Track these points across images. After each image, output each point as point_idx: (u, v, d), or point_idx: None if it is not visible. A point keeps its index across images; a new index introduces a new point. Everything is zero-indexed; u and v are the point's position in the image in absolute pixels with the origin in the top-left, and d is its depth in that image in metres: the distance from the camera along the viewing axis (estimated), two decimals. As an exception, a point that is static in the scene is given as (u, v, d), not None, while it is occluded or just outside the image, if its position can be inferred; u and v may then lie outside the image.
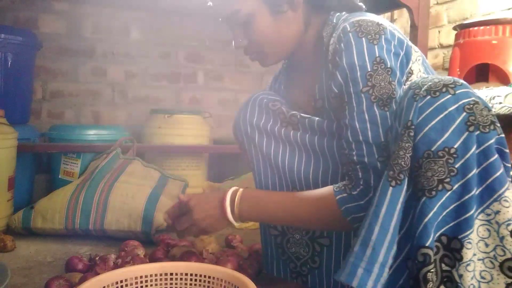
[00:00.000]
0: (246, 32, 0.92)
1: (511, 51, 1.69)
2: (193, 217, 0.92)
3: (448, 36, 2.25)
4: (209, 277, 0.90)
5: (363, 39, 0.80)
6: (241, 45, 0.94)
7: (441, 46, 2.31)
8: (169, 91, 2.69)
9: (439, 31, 2.32)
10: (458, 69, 1.81)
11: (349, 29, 0.82)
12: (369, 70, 0.79)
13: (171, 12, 2.57)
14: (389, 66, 0.79)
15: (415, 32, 1.74)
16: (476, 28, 1.76)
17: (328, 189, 0.84)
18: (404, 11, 2.31)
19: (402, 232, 0.70)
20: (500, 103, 1.25)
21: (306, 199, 0.86)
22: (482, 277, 0.67)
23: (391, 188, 0.69)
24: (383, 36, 0.80)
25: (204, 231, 0.94)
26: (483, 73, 1.77)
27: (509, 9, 1.94)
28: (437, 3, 2.33)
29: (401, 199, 0.69)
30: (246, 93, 2.78)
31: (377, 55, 0.79)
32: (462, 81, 0.70)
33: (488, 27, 1.72)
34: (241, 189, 0.91)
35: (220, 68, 2.79)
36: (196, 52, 2.73)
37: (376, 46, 0.79)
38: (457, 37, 1.88)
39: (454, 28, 1.92)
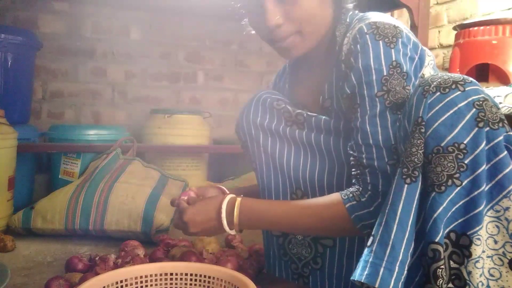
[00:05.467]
0: (287, 9, 0.85)
1: (511, 51, 1.69)
2: (189, 231, 0.90)
3: (448, 36, 2.25)
4: (209, 277, 0.90)
5: (380, 42, 0.79)
6: (277, 23, 0.85)
7: (441, 46, 2.31)
8: (169, 91, 2.69)
9: (439, 31, 2.32)
10: (458, 69, 1.82)
11: (366, 31, 0.80)
12: (385, 74, 0.78)
13: (171, 12, 2.57)
14: (405, 70, 0.78)
15: (415, 32, 1.74)
16: (476, 28, 1.76)
17: (335, 198, 0.83)
18: (404, 11, 2.31)
19: (416, 228, 0.70)
20: (500, 103, 1.25)
21: (312, 208, 0.85)
22: (491, 275, 0.67)
23: (406, 185, 0.68)
24: (400, 39, 0.79)
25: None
26: (483, 73, 1.77)
27: (509, 9, 1.94)
28: (437, 3, 2.33)
29: (416, 196, 0.68)
30: (246, 93, 2.80)
31: (393, 59, 0.78)
32: (471, 78, 0.70)
33: (488, 27, 1.72)
34: (238, 199, 0.88)
35: (220, 68, 2.79)
36: (196, 52, 2.73)
37: (393, 50, 0.78)
38: (457, 37, 1.88)
39: (454, 28, 1.92)
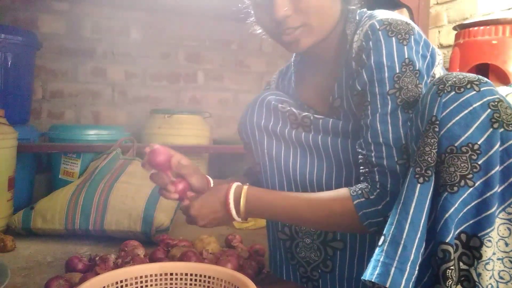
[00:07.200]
0: (295, 0, 0.83)
1: (511, 51, 1.69)
2: (198, 224, 0.89)
3: (448, 36, 2.25)
4: (209, 277, 0.89)
5: (393, 38, 0.78)
6: (285, 14, 0.83)
7: (441, 46, 2.31)
8: (169, 91, 2.69)
9: (439, 31, 2.32)
10: (458, 69, 1.81)
11: (378, 27, 0.80)
12: (397, 72, 0.77)
13: (171, 12, 2.57)
14: (417, 68, 0.78)
15: (415, 32, 1.74)
16: (476, 28, 1.76)
17: (344, 193, 0.82)
18: (404, 11, 2.31)
19: (427, 228, 0.69)
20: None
21: (320, 201, 0.83)
22: (501, 277, 0.66)
23: (419, 185, 0.68)
24: (412, 36, 0.79)
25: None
26: (483, 73, 1.77)
27: (509, 9, 1.94)
28: (437, 3, 2.33)
29: (429, 196, 0.67)
30: (246, 93, 2.80)
31: (406, 57, 0.77)
32: (486, 79, 0.69)
33: (488, 27, 1.72)
34: (245, 187, 0.87)
35: (220, 68, 2.79)
36: (196, 52, 2.73)
37: (405, 47, 0.78)
38: (457, 37, 1.88)
39: (454, 28, 1.91)
